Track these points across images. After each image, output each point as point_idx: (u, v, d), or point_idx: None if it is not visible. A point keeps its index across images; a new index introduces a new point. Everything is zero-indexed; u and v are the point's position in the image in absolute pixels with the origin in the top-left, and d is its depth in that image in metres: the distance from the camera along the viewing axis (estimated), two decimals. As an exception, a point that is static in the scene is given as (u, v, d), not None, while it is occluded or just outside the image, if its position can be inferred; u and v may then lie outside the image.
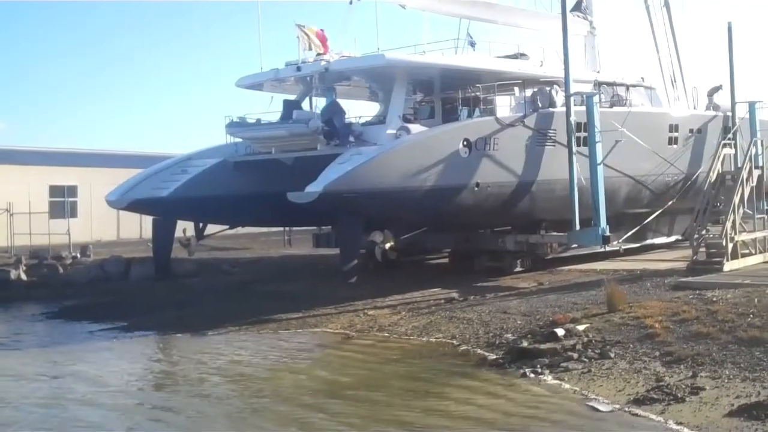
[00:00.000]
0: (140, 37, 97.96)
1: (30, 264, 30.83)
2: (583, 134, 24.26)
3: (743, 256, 22.94)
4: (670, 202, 28.56)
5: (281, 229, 37.74)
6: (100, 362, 17.98)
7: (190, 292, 26.15)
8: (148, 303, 24.52)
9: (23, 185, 38.88)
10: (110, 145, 61.44)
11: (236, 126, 27.17)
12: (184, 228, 29.49)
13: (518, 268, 25.65)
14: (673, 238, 30.80)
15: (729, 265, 21.95)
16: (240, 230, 36.28)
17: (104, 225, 42.14)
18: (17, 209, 36.69)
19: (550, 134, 25.09)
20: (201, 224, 29.54)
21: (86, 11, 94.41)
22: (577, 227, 23.89)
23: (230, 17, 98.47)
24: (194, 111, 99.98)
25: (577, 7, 31.98)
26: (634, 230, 27.13)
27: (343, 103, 26.64)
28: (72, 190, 44.64)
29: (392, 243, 24.21)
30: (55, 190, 43.99)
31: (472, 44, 28.80)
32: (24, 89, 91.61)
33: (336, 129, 24.99)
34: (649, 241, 29.41)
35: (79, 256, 32.87)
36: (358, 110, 34.19)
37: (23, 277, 29.62)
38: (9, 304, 26.49)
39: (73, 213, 43.21)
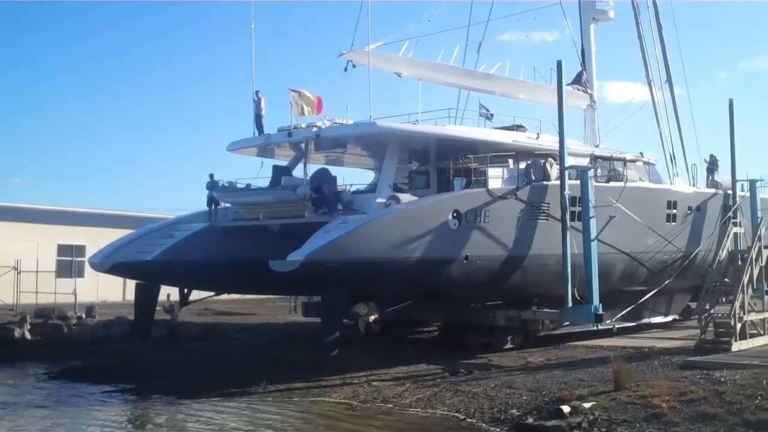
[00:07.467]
0: (154, 96, 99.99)
1: (35, 323, 30.76)
2: (577, 209, 23.73)
3: (751, 336, 22.69)
4: (667, 281, 27.90)
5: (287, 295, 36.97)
6: (96, 424, 17.76)
7: (193, 357, 25.82)
8: (151, 366, 24.31)
9: (31, 243, 38.97)
10: (120, 206, 61.78)
11: (224, 190, 26.73)
12: (168, 293, 28.81)
13: (509, 345, 24.84)
14: (670, 318, 30.19)
15: (737, 345, 21.75)
16: (245, 295, 35.62)
17: (110, 285, 41.33)
18: (24, 267, 36.59)
19: (543, 208, 24.53)
20: (186, 290, 28.68)
21: (108, 69, 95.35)
22: (570, 304, 23.12)
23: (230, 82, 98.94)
24: (204, 176, 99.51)
25: (576, 80, 31.88)
26: (630, 308, 26.38)
27: (345, 171, 26.14)
28: (80, 250, 44.42)
29: (376, 315, 23.44)
30: (64, 249, 44.13)
31: (488, 117, 28.35)
32: (38, 147, 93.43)
33: (324, 196, 24.52)
34: (645, 320, 28.69)
35: (84, 316, 32.84)
36: (359, 178, 33.73)
37: (27, 335, 29.59)
38: (12, 362, 26.38)
39: (80, 273, 43.12)
